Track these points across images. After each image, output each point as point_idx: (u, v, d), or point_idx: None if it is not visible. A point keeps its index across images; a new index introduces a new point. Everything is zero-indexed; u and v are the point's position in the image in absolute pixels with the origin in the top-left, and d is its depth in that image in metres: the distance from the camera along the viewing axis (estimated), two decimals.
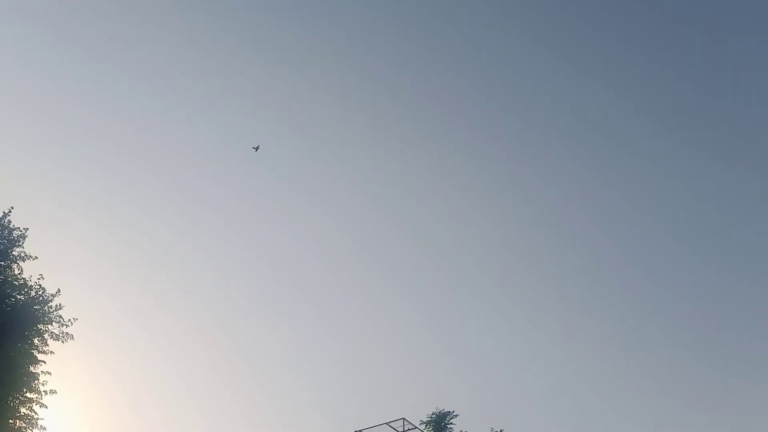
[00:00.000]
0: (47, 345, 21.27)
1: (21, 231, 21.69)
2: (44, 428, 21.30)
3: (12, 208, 21.85)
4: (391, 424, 26.49)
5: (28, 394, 21.07)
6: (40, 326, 21.12)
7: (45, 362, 21.30)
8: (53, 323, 21.50)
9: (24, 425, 21.00)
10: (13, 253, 21.49)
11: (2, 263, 21.33)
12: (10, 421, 20.78)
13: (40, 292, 21.40)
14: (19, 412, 21.01)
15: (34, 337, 21.24)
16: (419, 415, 25.24)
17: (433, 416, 24.32)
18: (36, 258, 21.80)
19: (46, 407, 21.36)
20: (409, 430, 26.07)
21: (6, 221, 21.58)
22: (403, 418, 26.35)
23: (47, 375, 21.38)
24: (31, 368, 21.19)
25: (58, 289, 21.97)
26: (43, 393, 21.19)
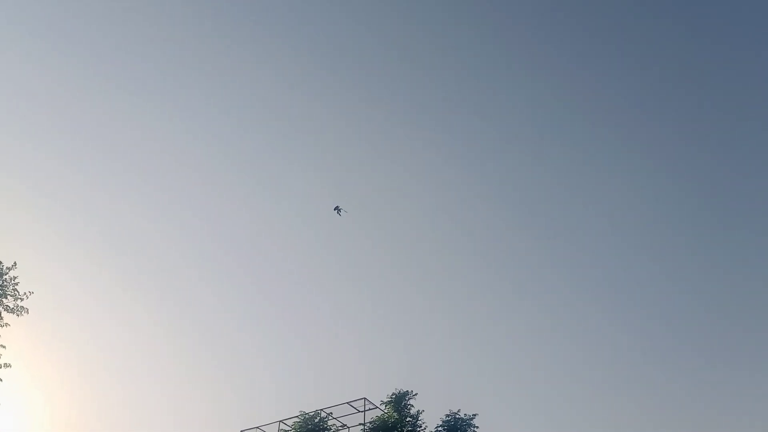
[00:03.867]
0: (1, 317, 21.04)
1: None
2: None
3: None
4: (352, 403, 26.58)
5: None
6: None
7: None
8: (8, 296, 21.25)
9: None
10: None
11: None
12: None
13: None
14: None
15: None
16: (380, 395, 25.36)
17: (393, 396, 24.33)
18: None
19: (0, 380, 21.13)
20: (369, 409, 26.18)
21: None
22: (364, 398, 26.45)
23: (1, 348, 21.15)
24: None
25: (14, 262, 21.75)
26: None
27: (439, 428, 23.63)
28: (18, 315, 21.61)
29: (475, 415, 23.76)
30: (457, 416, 23.75)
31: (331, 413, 26.17)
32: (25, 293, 21.70)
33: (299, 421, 24.10)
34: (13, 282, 21.55)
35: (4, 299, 21.19)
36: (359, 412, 26.38)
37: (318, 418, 24.18)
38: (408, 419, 23.97)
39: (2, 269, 21.49)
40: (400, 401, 24.23)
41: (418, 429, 23.99)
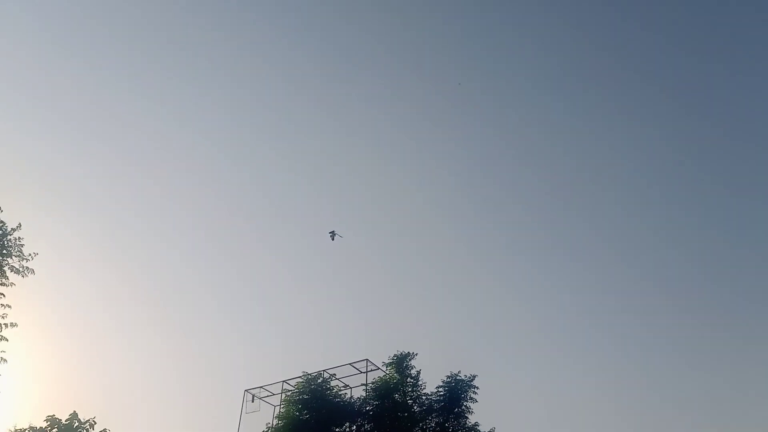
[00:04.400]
0: (6, 277, 21.15)
1: None
2: (5, 360, 21.32)
3: None
4: (354, 364, 26.98)
5: None
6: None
7: (4, 295, 21.21)
8: (13, 256, 21.34)
9: None
10: None
11: None
12: None
13: (0, 225, 21.17)
14: None
15: None
16: (382, 357, 25.72)
17: (395, 357, 24.67)
18: None
19: (6, 340, 21.35)
20: (371, 370, 26.58)
21: None
22: (366, 360, 26.84)
23: (7, 308, 21.33)
24: None
25: (19, 224, 21.78)
26: (2, 326, 21.15)
27: (440, 388, 24.02)
28: (23, 276, 21.75)
29: (474, 376, 24.15)
30: (458, 377, 24.11)
31: (334, 374, 26.58)
32: (30, 254, 21.81)
33: (302, 382, 24.45)
34: (18, 243, 21.64)
35: (9, 259, 21.30)
36: (361, 373, 26.79)
37: (321, 378, 24.53)
38: (409, 380, 24.36)
39: (6, 230, 21.56)
40: (401, 362, 24.58)
41: (419, 389, 24.38)
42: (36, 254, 21.98)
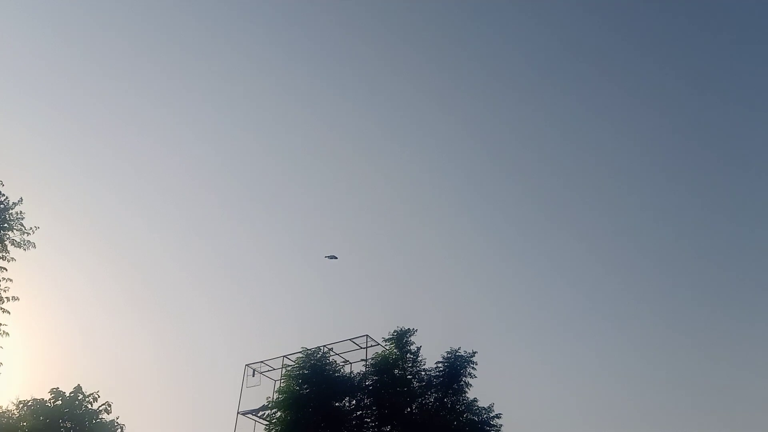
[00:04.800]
0: (8, 251, 21.26)
1: None
2: (7, 334, 21.50)
3: None
4: (354, 340, 27.15)
5: None
6: (0, 231, 21.04)
7: (6, 269, 21.34)
8: (14, 230, 21.41)
9: None
10: None
11: None
12: None
13: (1, 198, 21.21)
14: None
15: None
16: (382, 333, 25.82)
17: (395, 333, 24.76)
18: None
19: (9, 313, 21.53)
20: (371, 346, 26.75)
21: None
22: (366, 335, 27.00)
23: (9, 282, 21.48)
24: None
25: (21, 198, 21.82)
26: (4, 299, 21.31)
27: (439, 364, 24.16)
28: (25, 249, 21.85)
29: (474, 352, 24.25)
30: (457, 353, 24.23)
31: (333, 349, 26.76)
32: (31, 228, 21.88)
33: (302, 357, 24.62)
34: (18, 217, 21.70)
35: (10, 233, 21.39)
36: (361, 348, 26.97)
37: (320, 353, 24.69)
38: (409, 355, 24.48)
39: (8, 203, 21.61)
40: (401, 338, 24.67)
41: (419, 365, 24.52)
42: (37, 228, 22.08)
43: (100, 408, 36.44)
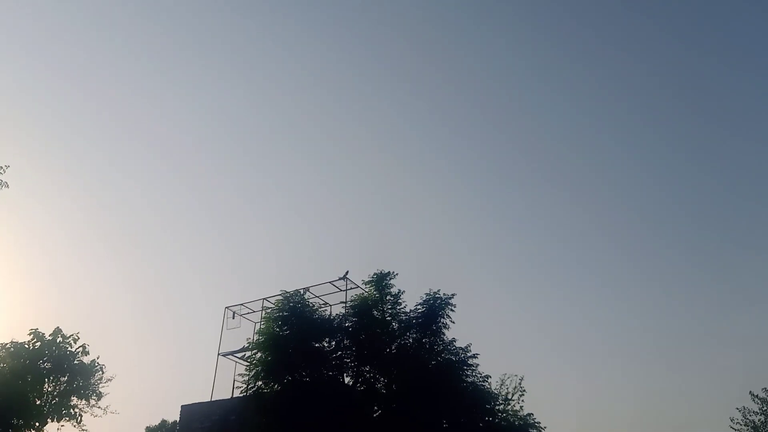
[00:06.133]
0: None
1: None
2: None
3: None
4: (334, 283, 27.23)
5: None
6: None
7: None
8: None
9: None
10: None
11: None
12: None
13: None
14: None
15: None
16: (362, 277, 25.85)
17: (374, 276, 24.79)
18: None
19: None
20: (351, 288, 26.87)
21: None
22: (346, 278, 27.09)
23: None
24: None
25: None
26: None
27: (419, 306, 24.35)
28: None
29: (453, 294, 24.46)
30: (437, 295, 24.40)
31: (313, 292, 26.84)
32: (1, 167, 21.17)
33: (282, 299, 24.63)
34: None
35: None
36: (341, 291, 27.08)
37: (300, 295, 24.72)
38: (389, 298, 24.59)
39: None
40: (381, 281, 24.70)
41: (398, 307, 24.69)
42: (8, 167, 21.37)
43: (77, 350, 36.59)
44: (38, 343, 35.56)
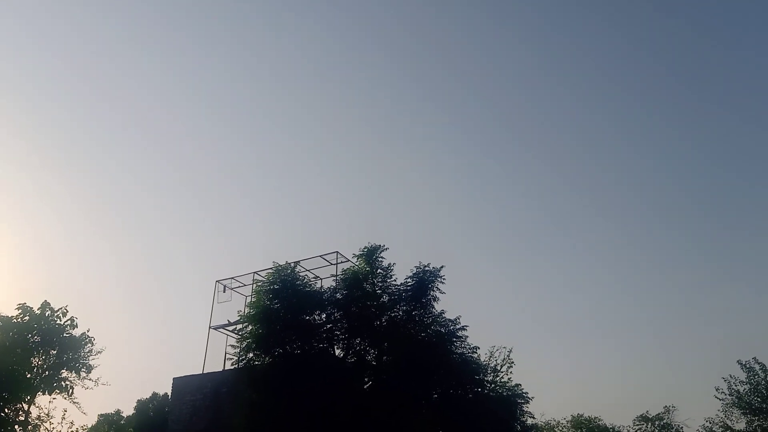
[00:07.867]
0: None
1: None
2: None
3: None
4: (325, 256, 27.26)
5: None
6: None
7: None
8: None
9: None
10: None
11: None
12: None
13: None
14: None
15: None
16: (353, 250, 25.86)
17: (365, 250, 24.79)
18: None
19: None
20: (341, 262, 26.92)
21: None
22: (337, 252, 27.12)
23: None
24: None
25: None
26: None
27: (408, 278, 24.47)
28: None
29: (442, 266, 24.61)
30: (426, 269, 24.53)
31: (304, 266, 26.87)
32: None
33: (273, 272, 24.64)
34: None
35: None
36: (331, 264, 27.14)
37: (291, 269, 24.73)
38: (379, 271, 24.67)
39: None
40: (371, 254, 24.73)
41: (389, 280, 24.80)
42: None
43: (65, 324, 36.52)
44: (26, 317, 35.45)
